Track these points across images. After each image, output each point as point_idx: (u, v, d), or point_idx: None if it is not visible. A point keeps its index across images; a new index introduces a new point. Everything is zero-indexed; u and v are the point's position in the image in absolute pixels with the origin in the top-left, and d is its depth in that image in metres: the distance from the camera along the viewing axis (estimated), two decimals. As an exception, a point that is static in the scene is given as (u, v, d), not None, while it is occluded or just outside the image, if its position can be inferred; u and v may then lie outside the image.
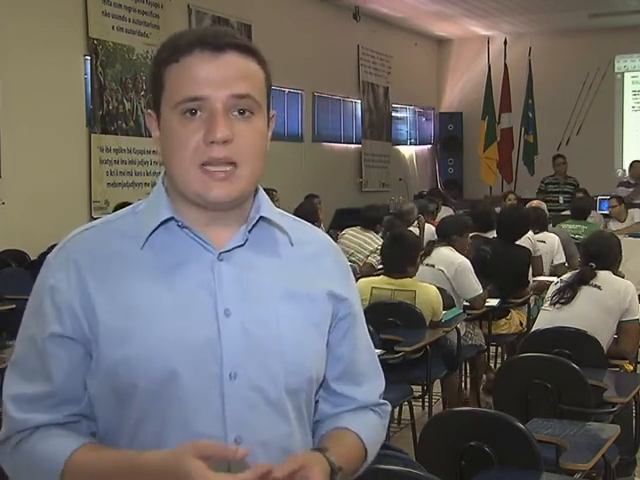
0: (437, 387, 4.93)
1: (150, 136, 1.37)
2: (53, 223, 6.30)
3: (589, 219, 8.05)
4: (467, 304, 5.23)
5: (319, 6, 11.22)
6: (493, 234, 6.14)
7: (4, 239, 6.53)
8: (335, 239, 6.81)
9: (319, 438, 1.40)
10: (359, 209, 7.51)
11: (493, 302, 5.35)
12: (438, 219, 7.23)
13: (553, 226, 7.42)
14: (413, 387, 4.35)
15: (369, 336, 1.50)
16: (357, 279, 4.89)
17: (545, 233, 6.65)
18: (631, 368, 4.05)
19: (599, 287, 4.02)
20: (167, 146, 1.30)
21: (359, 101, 12.32)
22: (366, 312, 1.50)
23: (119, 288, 1.28)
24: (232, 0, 9.35)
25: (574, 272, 4.26)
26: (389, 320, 4.39)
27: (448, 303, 4.89)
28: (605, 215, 9.02)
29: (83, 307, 1.27)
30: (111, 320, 1.26)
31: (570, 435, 2.76)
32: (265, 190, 1.39)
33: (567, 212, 8.61)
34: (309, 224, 1.48)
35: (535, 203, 7.68)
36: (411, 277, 4.67)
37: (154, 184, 1.38)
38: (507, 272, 5.61)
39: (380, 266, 5.30)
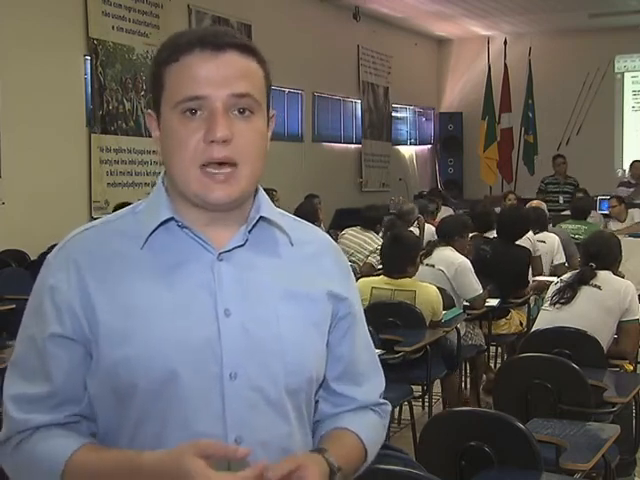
0: (437, 387, 4.93)
1: (150, 136, 1.37)
2: (53, 223, 6.30)
3: (589, 219, 8.05)
4: (467, 304, 5.23)
5: (319, 6, 11.22)
6: (493, 234, 6.14)
7: (4, 239, 6.53)
8: (335, 239, 6.81)
9: (319, 438, 1.40)
10: (359, 209, 7.52)
11: (493, 302, 5.35)
12: (438, 219, 7.23)
13: (553, 226, 7.42)
14: (413, 387, 4.35)
15: (369, 336, 1.50)
16: (357, 279, 4.89)
17: (545, 233, 6.65)
18: (631, 368, 4.05)
19: (599, 287, 4.02)
20: (167, 146, 1.30)
21: (359, 101, 12.32)
22: (366, 312, 1.50)
23: (119, 288, 1.28)
24: (232, 0, 9.35)
25: (574, 272, 4.26)
26: (389, 320, 4.39)
27: (448, 303, 4.89)
28: (605, 215, 9.02)
29: (83, 307, 1.27)
30: (111, 320, 1.26)
31: (570, 435, 2.76)
32: (265, 190, 1.39)
33: (567, 212, 8.61)
34: (309, 224, 1.48)
35: (535, 203, 7.68)
36: (411, 277, 4.67)
37: (154, 184, 1.38)
38: (507, 272, 5.61)
39: (380, 266, 5.30)
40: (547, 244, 6.53)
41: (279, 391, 1.30)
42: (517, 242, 5.85)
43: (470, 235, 5.82)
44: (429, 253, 5.27)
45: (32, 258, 6.33)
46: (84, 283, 1.28)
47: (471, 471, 2.45)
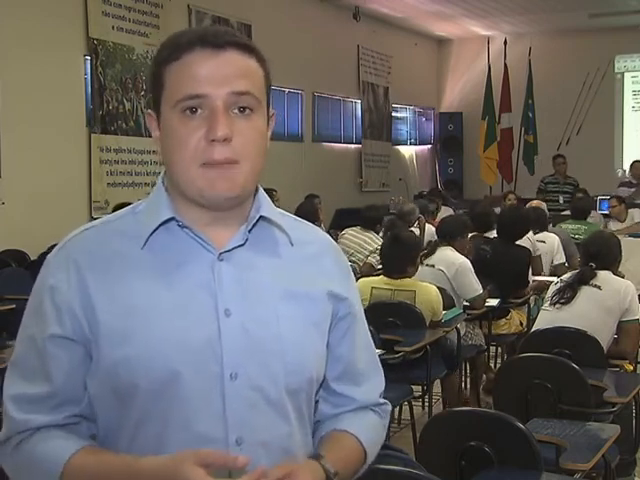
0: (437, 387, 4.93)
1: (150, 136, 1.37)
2: (53, 223, 6.30)
3: (589, 219, 8.05)
4: (467, 304, 5.23)
5: (319, 6, 11.22)
6: (493, 234, 6.14)
7: (4, 239, 6.53)
8: (335, 239, 6.81)
9: (318, 440, 1.40)
10: (359, 209, 7.52)
11: (493, 302, 5.35)
12: (438, 219, 7.23)
13: (553, 226, 7.42)
14: (413, 387, 4.35)
15: (370, 336, 1.50)
16: (357, 279, 4.89)
17: (545, 233, 6.65)
18: (631, 368, 4.05)
19: (599, 287, 4.02)
20: (167, 145, 1.30)
21: (359, 101, 12.32)
22: (366, 312, 1.50)
23: (119, 288, 1.28)
24: (232, 0, 9.35)
25: (574, 272, 4.26)
26: (389, 320, 4.39)
27: (448, 303, 4.89)
28: (605, 215, 9.01)
29: (83, 307, 1.27)
30: (111, 320, 1.26)
31: (570, 435, 2.76)
32: (265, 190, 1.39)
33: (567, 212, 8.61)
34: (310, 224, 1.48)
35: (535, 203, 7.68)
36: (410, 277, 4.67)
37: (154, 184, 1.38)
38: (507, 272, 5.61)
39: (380, 266, 5.30)
40: (547, 244, 6.53)
41: (279, 391, 1.30)
42: (517, 242, 5.84)
43: (470, 235, 5.82)
44: (430, 253, 5.27)
45: (32, 258, 6.33)
46: (84, 283, 1.28)
47: (471, 471, 2.45)
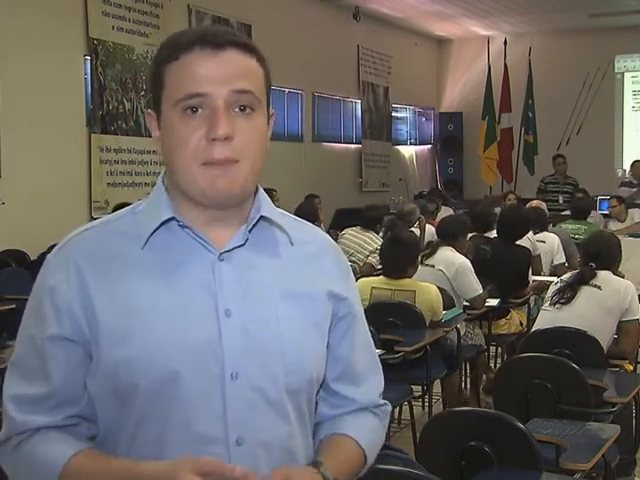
0: (437, 387, 4.93)
1: (150, 136, 1.37)
2: (53, 223, 6.30)
3: (589, 219, 8.05)
4: (467, 304, 5.23)
5: (319, 6, 11.22)
6: (493, 234, 6.14)
7: (4, 239, 6.53)
8: (335, 239, 6.82)
9: (318, 443, 1.40)
10: (359, 209, 7.52)
11: (493, 302, 5.35)
12: (438, 219, 7.23)
13: (553, 226, 7.42)
14: (413, 387, 4.35)
15: (370, 335, 1.50)
16: (357, 279, 4.89)
17: (545, 233, 6.65)
18: (631, 368, 4.05)
19: (599, 287, 4.02)
20: (168, 144, 1.29)
21: (359, 101, 12.32)
22: (366, 312, 1.50)
23: (119, 288, 1.28)
24: (232, 0, 9.35)
25: (574, 272, 4.26)
26: (389, 320, 4.39)
27: (448, 303, 4.89)
28: (605, 215, 9.01)
29: (83, 307, 1.27)
30: (111, 320, 1.26)
31: (570, 435, 2.76)
32: (265, 190, 1.39)
33: (567, 212, 8.61)
34: (309, 224, 1.48)
35: (535, 203, 7.68)
36: (410, 277, 4.67)
37: (154, 184, 1.38)
38: (507, 272, 5.61)
39: (380, 266, 5.30)
40: (547, 244, 6.53)
41: (279, 391, 1.30)
42: (517, 242, 5.84)
43: (470, 235, 5.83)
44: (431, 254, 5.27)
45: (32, 258, 6.33)
46: (84, 284, 1.27)
47: (471, 471, 2.45)
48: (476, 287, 5.18)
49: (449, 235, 5.41)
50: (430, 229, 7.23)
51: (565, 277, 4.23)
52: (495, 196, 11.18)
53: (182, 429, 1.26)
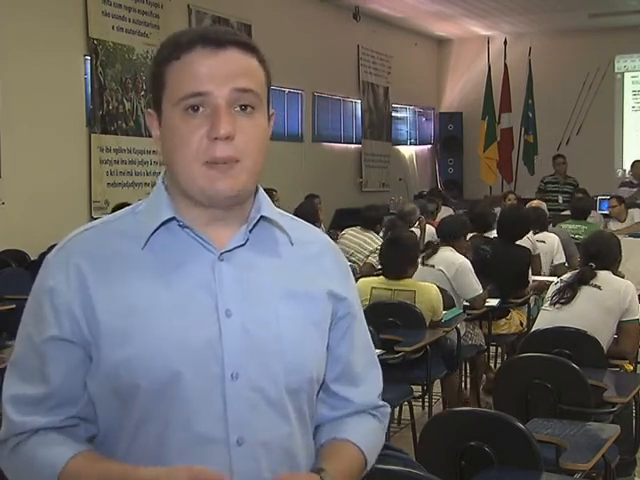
0: (437, 387, 4.93)
1: (150, 136, 1.37)
2: (53, 223, 6.30)
3: (589, 219, 8.05)
4: (467, 304, 5.23)
5: (319, 6, 11.22)
6: (493, 234, 6.14)
7: (4, 239, 6.53)
8: (335, 239, 6.82)
9: (319, 448, 1.40)
10: (359, 209, 7.52)
11: (493, 302, 5.35)
12: (438, 219, 7.23)
13: (553, 226, 7.42)
14: (413, 387, 4.35)
15: (369, 336, 1.50)
16: (357, 279, 4.89)
17: (545, 233, 6.65)
18: (631, 368, 4.05)
19: (599, 287, 4.02)
20: (169, 144, 1.29)
21: (359, 101, 12.32)
22: (366, 312, 1.49)
23: (119, 288, 1.27)
24: (232, 0, 9.35)
25: (574, 272, 4.26)
26: (389, 320, 4.39)
27: (448, 303, 4.89)
28: (605, 215, 9.01)
29: (83, 308, 1.27)
30: (111, 320, 1.26)
31: (570, 435, 2.76)
32: (265, 190, 1.39)
33: (567, 212, 8.61)
34: (308, 224, 1.48)
35: (535, 203, 7.69)
36: (410, 277, 4.67)
37: (154, 184, 1.38)
38: (507, 272, 5.61)
39: (380, 266, 5.30)
40: (547, 244, 6.53)
41: (279, 391, 1.30)
42: (517, 242, 5.84)
43: (470, 235, 5.83)
44: (432, 254, 5.27)
45: (32, 258, 6.33)
46: (84, 284, 1.27)
47: (471, 471, 2.45)
48: (476, 287, 5.18)
49: (449, 235, 5.41)
50: (430, 229, 7.23)
51: (565, 277, 4.23)
52: (495, 196, 11.18)
53: (183, 429, 1.25)
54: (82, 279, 1.27)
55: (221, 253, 1.31)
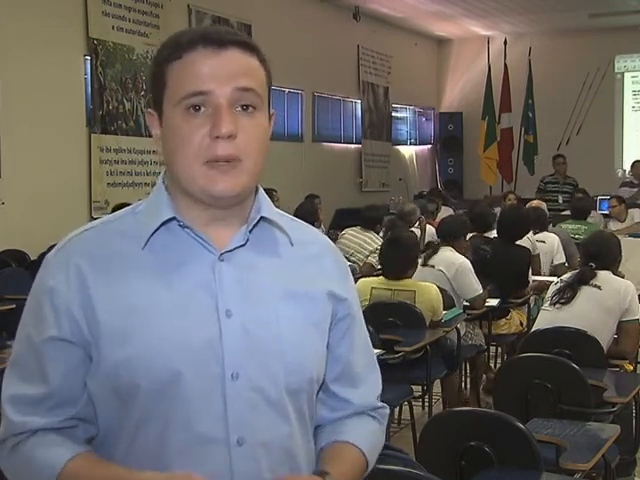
0: (437, 387, 4.93)
1: (150, 136, 1.37)
2: (53, 223, 6.30)
3: (589, 219, 8.05)
4: (467, 304, 5.23)
5: (319, 6, 11.22)
6: (493, 234, 6.14)
7: (4, 239, 6.53)
8: (335, 239, 6.83)
9: (319, 450, 1.40)
10: (359, 209, 7.52)
11: (493, 302, 5.35)
12: (438, 219, 7.23)
13: (553, 226, 7.42)
14: (413, 387, 4.35)
15: (368, 338, 1.50)
16: (357, 279, 4.89)
17: (545, 233, 6.65)
18: (631, 368, 4.05)
19: (599, 287, 4.02)
20: (170, 143, 1.29)
21: (359, 101, 12.32)
22: (366, 312, 1.50)
23: (119, 288, 1.27)
24: (232, 0, 9.35)
25: (574, 272, 4.26)
26: (389, 320, 4.39)
27: (448, 303, 4.89)
28: (605, 215, 9.01)
29: (83, 308, 1.27)
30: (112, 320, 1.26)
31: (570, 435, 2.75)
32: (265, 190, 1.39)
33: (567, 212, 8.61)
34: (307, 224, 1.48)
35: (535, 203, 7.68)
36: (410, 277, 4.67)
37: (154, 184, 1.38)
38: (507, 272, 5.61)
39: (380, 266, 5.30)
40: (547, 244, 6.53)
41: (279, 391, 1.30)
42: (517, 242, 5.84)
43: (469, 235, 5.83)
44: (433, 254, 5.26)
45: (32, 258, 6.33)
46: (84, 284, 1.27)
47: (471, 471, 2.44)
48: (476, 287, 5.18)
49: (449, 235, 5.41)
50: (430, 229, 7.23)
51: (565, 277, 4.23)
52: (495, 196, 11.18)
53: (183, 429, 1.25)
54: (82, 279, 1.27)
55: (221, 253, 1.31)
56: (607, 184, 11.28)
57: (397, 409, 4.73)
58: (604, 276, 4.05)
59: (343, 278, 1.44)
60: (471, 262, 5.27)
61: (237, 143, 1.26)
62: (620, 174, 12.89)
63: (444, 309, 4.70)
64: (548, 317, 4.06)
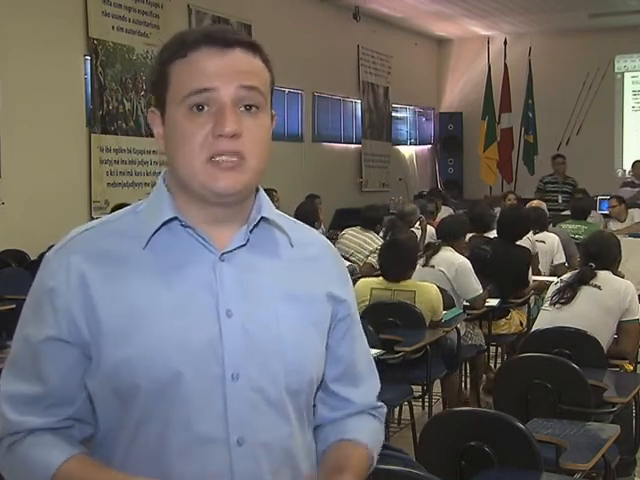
0: (437, 387, 4.93)
1: (150, 136, 1.37)
2: (53, 223, 6.30)
3: (589, 219, 8.05)
4: (467, 304, 5.23)
5: (319, 6, 11.22)
6: (493, 234, 6.14)
7: (4, 239, 6.53)
8: (335, 239, 6.83)
9: (326, 448, 1.40)
10: (359, 209, 7.52)
11: (493, 302, 5.35)
12: (438, 219, 7.23)
13: (553, 226, 7.42)
14: (413, 387, 4.35)
15: (365, 338, 1.50)
16: (357, 279, 4.90)
17: (545, 233, 6.65)
18: (631, 368, 4.05)
19: (599, 287, 4.02)
20: (173, 141, 1.29)
21: (359, 101, 12.32)
22: (366, 312, 1.50)
23: (120, 288, 1.27)
24: (232, 0, 9.36)
25: (574, 272, 4.26)
26: (389, 320, 4.39)
27: (448, 303, 4.89)
28: (605, 215, 9.01)
29: (83, 308, 1.26)
30: (112, 320, 1.26)
31: (570, 435, 2.76)
32: (265, 190, 1.39)
33: (567, 212, 8.61)
34: (307, 225, 1.48)
35: (535, 203, 7.69)
36: (409, 278, 4.67)
37: (154, 184, 1.38)
38: (507, 272, 5.61)
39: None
40: (547, 244, 6.53)
41: (279, 391, 1.30)
42: (517, 242, 5.84)
43: (469, 235, 5.83)
44: (433, 254, 5.26)
45: (32, 258, 6.33)
46: (85, 284, 1.27)
47: (471, 471, 2.45)
48: (476, 287, 5.18)
49: (449, 235, 5.41)
50: (430, 230, 7.23)
51: (565, 277, 4.23)
52: (495, 196, 11.18)
53: (183, 429, 1.25)
54: (82, 279, 1.27)
55: (222, 253, 1.30)
56: (607, 184, 11.29)
57: (397, 409, 4.73)
58: (604, 276, 4.06)
59: (343, 279, 1.44)
60: (471, 262, 5.27)
61: (242, 142, 1.26)
62: (620, 174, 12.89)
63: (444, 309, 4.70)
64: (548, 317, 4.07)
